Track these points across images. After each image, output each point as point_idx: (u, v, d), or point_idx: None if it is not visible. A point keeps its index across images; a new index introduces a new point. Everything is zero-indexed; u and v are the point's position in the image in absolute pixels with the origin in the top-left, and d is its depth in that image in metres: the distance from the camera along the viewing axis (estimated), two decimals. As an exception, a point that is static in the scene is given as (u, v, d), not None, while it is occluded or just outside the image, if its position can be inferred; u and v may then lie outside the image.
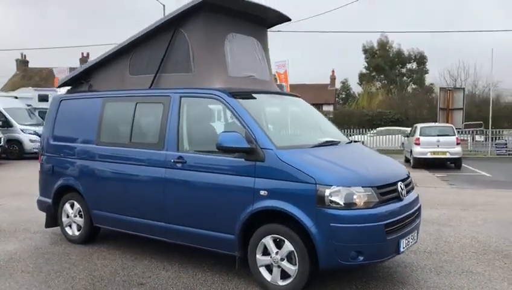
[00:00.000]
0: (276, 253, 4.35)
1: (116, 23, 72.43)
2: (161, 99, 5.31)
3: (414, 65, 49.18)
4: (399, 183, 4.59)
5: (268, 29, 6.10)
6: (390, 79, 48.16)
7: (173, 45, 5.36)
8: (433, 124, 19.77)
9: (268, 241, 4.40)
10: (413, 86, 47.64)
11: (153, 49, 5.56)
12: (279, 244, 4.36)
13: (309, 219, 4.12)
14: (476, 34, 74.10)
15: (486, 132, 25.66)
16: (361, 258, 4.12)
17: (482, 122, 26.93)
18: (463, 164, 17.39)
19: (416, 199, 4.92)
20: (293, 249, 4.25)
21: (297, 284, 4.26)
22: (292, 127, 5.97)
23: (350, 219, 4.07)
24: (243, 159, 4.51)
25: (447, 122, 22.46)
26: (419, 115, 30.62)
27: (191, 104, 5.17)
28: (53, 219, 6.46)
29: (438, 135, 17.01)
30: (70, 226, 6.22)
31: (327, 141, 5.11)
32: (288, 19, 6.05)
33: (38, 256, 5.61)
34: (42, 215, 6.68)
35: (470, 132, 25.49)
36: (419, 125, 18.18)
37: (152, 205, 5.22)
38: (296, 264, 4.25)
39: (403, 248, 4.44)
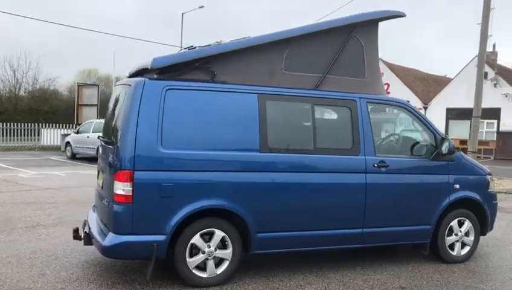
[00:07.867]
0: (460, 231, 5.67)
1: None
2: (347, 103, 5.16)
3: None
4: None
5: None
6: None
7: (346, 48, 5.24)
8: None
9: (455, 223, 5.67)
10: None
11: (321, 47, 5.16)
12: (459, 224, 5.70)
13: (484, 200, 5.80)
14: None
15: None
16: (493, 225, 6.13)
17: None
18: None
19: None
20: (471, 225, 5.75)
21: (472, 252, 5.84)
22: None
23: (496, 197, 6.04)
24: (440, 161, 5.48)
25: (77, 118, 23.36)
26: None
27: (374, 110, 5.36)
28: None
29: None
30: (198, 267, 4.50)
31: None
32: None
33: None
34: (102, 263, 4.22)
35: None
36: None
37: (349, 213, 5.08)
38: (471, 237, 5.78)
39: None
